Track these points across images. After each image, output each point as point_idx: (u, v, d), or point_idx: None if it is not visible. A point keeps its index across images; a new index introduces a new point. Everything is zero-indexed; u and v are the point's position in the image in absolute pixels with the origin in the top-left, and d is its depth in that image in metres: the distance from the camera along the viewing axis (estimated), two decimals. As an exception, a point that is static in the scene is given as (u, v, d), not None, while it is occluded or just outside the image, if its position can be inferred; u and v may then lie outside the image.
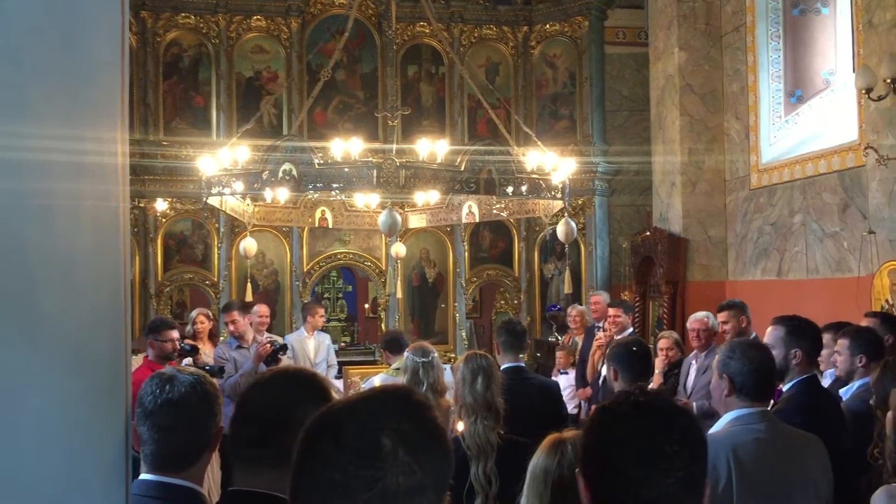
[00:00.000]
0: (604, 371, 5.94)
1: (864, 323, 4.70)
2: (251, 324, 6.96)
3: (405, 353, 4.28)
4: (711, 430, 2.91)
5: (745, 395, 2.91)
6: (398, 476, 1.11)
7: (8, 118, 1.28)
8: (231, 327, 6.73)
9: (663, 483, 1.50)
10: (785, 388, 3.65)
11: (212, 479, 6.05)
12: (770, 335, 3.71)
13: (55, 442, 1.38)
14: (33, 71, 1.34)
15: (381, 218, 6.56)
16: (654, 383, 6.11)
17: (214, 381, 2.35)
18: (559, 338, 9.79)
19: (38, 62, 1.35)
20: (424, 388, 4.04)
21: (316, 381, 2.03)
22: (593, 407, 4.74)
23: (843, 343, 4.15)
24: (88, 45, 1.51)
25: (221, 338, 8.28)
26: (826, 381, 4.46)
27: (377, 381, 5.65)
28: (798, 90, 8.50)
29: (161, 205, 10.37)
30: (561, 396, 4.94)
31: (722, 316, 5.73)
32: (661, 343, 6.31)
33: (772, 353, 3.16)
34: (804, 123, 8.34)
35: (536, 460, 2.30)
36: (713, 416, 3.29)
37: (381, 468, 1.11)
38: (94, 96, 1.54)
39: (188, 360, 6.23)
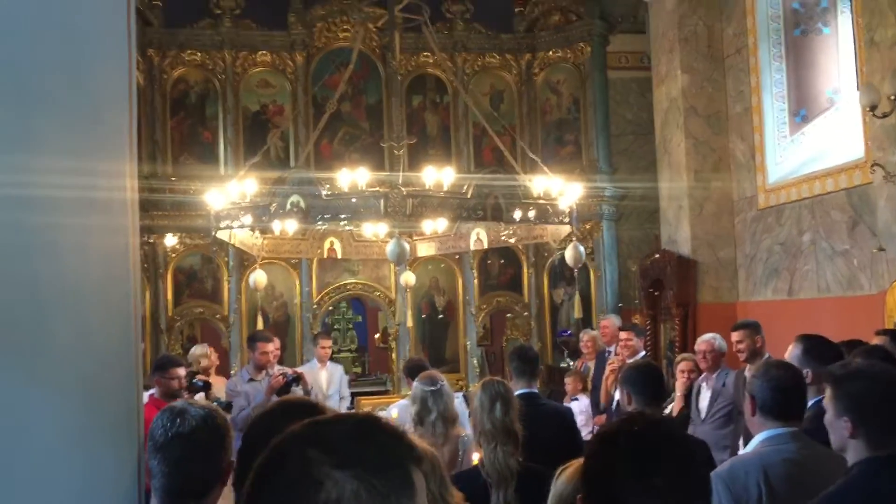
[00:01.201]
0: (617, 395, 5.90)
1: (875, 341, 4.66)
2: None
3: (413, 384, 4.24)
4: (743, 451, 2.89)
5: (767, 413, 2.90)
6: (309, 488, 1.06)
7: (19, 154, 1.29)
8: (262, 358, 6.60)
9: None
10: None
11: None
12: (789, 352, 3.73)
13: (67, 476, 1.37)
14: (44, 109, 1.36)
15: (390, 247, 6.57)
16: (676, 406, 6.07)
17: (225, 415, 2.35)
18: (571, 363, 9.73)
19: (49, 101, 1.37)
20: (434, 417, 4.01)
21: (317, 410, 2.02)
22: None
23: None
24: (97, 84, 1.53)
25: (233, 371, 8.26)
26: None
27: (394, 410, 5.63)
28: (802, 109, 8.51)
29: (170, 240, 10.42)
30: (575, 423, 4.90)
31: (736, 335, 5.69)
32: (682, 366, 6.27)
33: (798, 373, 3.13)
34: (810, 142, 8.34)
35: (566, 485, 2.23)
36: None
37: (292, 478, 1.07)
38: (102, 133, 1.56)
39: (200, 396, 6.22)
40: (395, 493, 1.07)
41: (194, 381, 6.21)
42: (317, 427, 1.16)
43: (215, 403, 5.49)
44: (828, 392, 2.66)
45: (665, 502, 1.48)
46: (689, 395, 6.14)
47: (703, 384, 6.05)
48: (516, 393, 4.16)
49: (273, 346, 6.67)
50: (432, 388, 4.07)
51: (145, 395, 5.41)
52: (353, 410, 7.94)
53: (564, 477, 2.23)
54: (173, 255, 10.61)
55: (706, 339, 6.12)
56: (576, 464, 2.25)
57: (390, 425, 1.17)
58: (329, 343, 8.12)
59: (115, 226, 1.58)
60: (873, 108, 6.22)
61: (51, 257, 1.36)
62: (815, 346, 3.70)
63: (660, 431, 1.60)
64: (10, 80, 1.27)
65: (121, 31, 1.65)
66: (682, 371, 6.22)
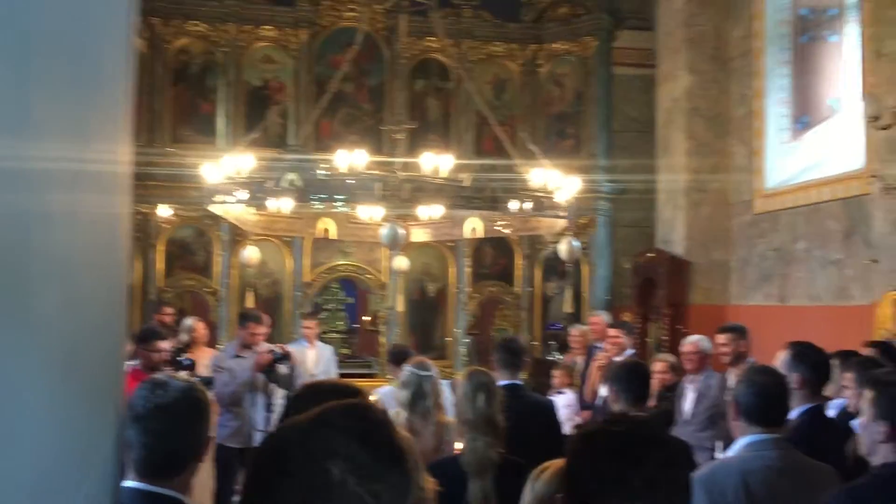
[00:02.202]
0: (602, 392, 5.91)
1: (865, 352, 4.68)
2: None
3: (405, 368, 4.24)
4: (724, 455, 2.90)
5: (748, 418, 2.90)
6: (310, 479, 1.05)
7: (12, 126, 1.27)
8: (251, 339, 6.43)
9: None
10: (791, 415, 3.64)
11: (206, 491, 6.02)
12: (778, 358, 3.75)
13: (44, 445, 1.37)
14: (38, 80, 1.34)
15: (384, 231, 6.56)
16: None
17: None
18: (559, 357, 9.75)
19: (44, 71, 1.35)
20: (428, 403, 4.02)
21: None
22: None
23: (849, 377, 4.14)
24: (95, 55, 1.51)
25: (220, 346, 8.24)
26: (832, 412, 4.42)
27: (374, 396, 5.63)
28: (804, 116, 8.50)
29: (165, 211, 10.37)
30: (556, 416, 4.91)
31: (721, 338, 5.71)
32: (656, 366, 6.27)
33: (781, 379, 3.14)
34: (810, 150, 8.34)
35: (545, 487, 2.22)
36: None
37: (329, 500, 1.05)
38: (99, 105, 1.54)
39: (184, 375, 6.19)
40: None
41: (179, 358, 6.17)
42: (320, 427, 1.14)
43: (196, 380, 5.46)
44: (867, 396, 2.71)
45: (642, 501, 1.47)
46: (664, 396, 6.14)
47: (688, 385, 6.06)
48: (499, 384, 4.17)
49: (264, 329, 6.61)
50: (427, 373, 4.07)
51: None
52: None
53: (543, 479, 2.22)
54: (167, 226, 10.56)
55: (692, 341, 6.14)
56: (554, 465, 2.24)
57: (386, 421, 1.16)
58: (312, 324, 8.02)
59: (109, 199, 1.57)
60: (876, 118, 6.23)
61: (42, 229, 1.34)
62: (804, 352, 3.74)
63: (642, 432, 1.59)
64: (7, 52, 1.26)
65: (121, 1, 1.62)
66: (656, 371, 6.23)
